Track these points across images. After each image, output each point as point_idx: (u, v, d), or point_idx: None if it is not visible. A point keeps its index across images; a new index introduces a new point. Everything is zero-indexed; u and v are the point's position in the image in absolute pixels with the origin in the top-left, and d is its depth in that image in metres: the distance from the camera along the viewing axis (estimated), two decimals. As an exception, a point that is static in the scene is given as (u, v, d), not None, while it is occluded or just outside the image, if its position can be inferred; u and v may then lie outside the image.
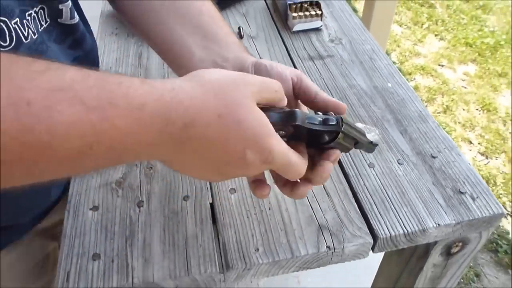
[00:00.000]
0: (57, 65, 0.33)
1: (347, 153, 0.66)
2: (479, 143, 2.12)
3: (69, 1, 0.57)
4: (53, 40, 0.56)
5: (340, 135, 0.43)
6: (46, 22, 0.54)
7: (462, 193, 0.60)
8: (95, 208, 0.59)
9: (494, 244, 1.72)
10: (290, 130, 0.42)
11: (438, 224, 0.57)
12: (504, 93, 2.44)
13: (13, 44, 0.46)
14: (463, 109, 2.31)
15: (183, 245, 0.54)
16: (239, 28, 0.93)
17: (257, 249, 0.54)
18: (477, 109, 2.33)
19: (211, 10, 0.58)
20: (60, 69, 0.32)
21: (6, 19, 0.46)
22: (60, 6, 0.56)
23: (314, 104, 0.49)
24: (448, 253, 0.64)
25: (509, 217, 1.81)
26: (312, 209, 0.59)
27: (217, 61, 0.52)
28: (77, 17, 0.60)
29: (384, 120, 0.72)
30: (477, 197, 0.60)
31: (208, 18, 0.56)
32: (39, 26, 0.52)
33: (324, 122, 0.43)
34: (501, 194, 1.88)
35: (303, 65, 0.84)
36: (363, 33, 0.93)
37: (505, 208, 1.84)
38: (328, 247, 0.54)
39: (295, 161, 0.42)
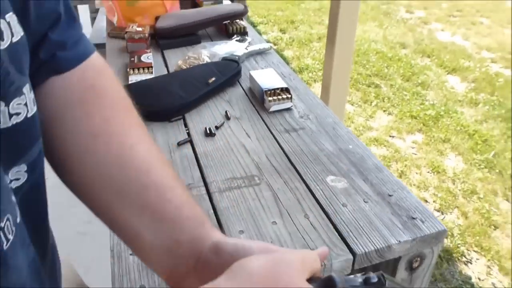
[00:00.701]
0: None
1: (324, 194, 0.86)
2: (434, 201, 2.37)
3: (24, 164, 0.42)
4: (20, 246, 0.40)
5: None
6: (12, 232, 0.37)
7: (414, 218, 0.81)
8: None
9: (459, 290, 1.90)
10: None
11: (399, 241, 0.76)
12: (449, 156, 2.76)
13: None
14: (416, 173, 2.59)
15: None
16: (225, 111, 1.15)
17: (268, 270, 0.71)
18: (428, 172, 2.61)
19: (158, 177, 0.49)
20: None
21: None
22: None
23: None
24: (411, 268, 0.82)
25: (469, 264, 2.01)
26: (304, 239, 0.77)
27: (171, 247, 0.48)
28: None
29: (350, 172, 0.93)
30: (425, 221, 0.80)
31: (154, 192, 0.48)
32: (5, 243, 0.36)
33: (366, 281, 0.42)
34: (459, 244, 2.10)
35: (281, 136, 1.05)
36: (325, 110, 1.17)
37: (465, 256, 2.05)
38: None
39: None
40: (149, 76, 1.32)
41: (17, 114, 0.39)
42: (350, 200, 0.85)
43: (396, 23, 5.08)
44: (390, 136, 2.94)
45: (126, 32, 1.55)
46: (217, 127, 1.09)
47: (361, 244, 0.75)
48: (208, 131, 1.06)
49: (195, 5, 1.93)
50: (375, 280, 0.41)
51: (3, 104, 0.38)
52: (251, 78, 1.26)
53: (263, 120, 1.13)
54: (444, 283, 1.91)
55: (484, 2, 5.86)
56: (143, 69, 1.35)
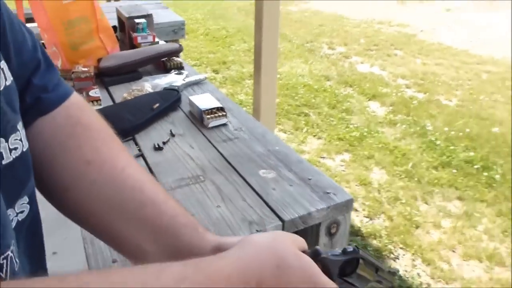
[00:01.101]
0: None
1: (258, 183, 1.06)
2: (363, 210, 2.64)
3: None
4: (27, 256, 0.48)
5: (361, 261, 0.51)
6: (17, 257, 0.43)
7: (328, 193, 1.02)
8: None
9: None
10: (319, 266, 0.49)
11: (317, 209, 0.97)
12: (374, 170, 3.07)
13: None
14: (346, 187, 2.86)
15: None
16: (170, 130, 1.34)
17: (216, 238, 0.89)
18: (356, 185, 2.89)
19: (151, 193, 0.55)
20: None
21: None
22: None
23: None
24: (330, 233, 1.03)
25: (396, 259, 2.27)
26: (243, 215, 0.96)
27: (173, 255, 0.53)
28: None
29: (277, 166, 1.14)
30: (337, 194, 1.02)
31: (151, 207, 0.54)
32: (15, 266, 0.42)
33: (344, 251, 0.51)
34: (386, 243, 2.35)
35: (220, 145, 1.25)
36: (255, 123, 1.39)
37: (392, 253, 2.30)
38: (257, 230, 0.91)
39: None
40: (98, 107, 1.49)
41: (15, 149, 0.44)
42: (278, 185, 1.06)
43: (320, 59, 5.53)
44: (321, 157, 3.23)
45: (73, 73, 1.71)
46: (164, 143, 1.27)
47: (288, 214, 0.96)
48: (156, 146, 1.24)
49: (134, 46, 2.12)
50: (351, 249, 0.51)
51: (3, 140, 0.43)
52: (191, 102, 1.46)
53: (203, 134, 1.32)
54: (376, 278, 2.13)
55: (397, 36, 6.50)
56: (92, 102, 1.52)
